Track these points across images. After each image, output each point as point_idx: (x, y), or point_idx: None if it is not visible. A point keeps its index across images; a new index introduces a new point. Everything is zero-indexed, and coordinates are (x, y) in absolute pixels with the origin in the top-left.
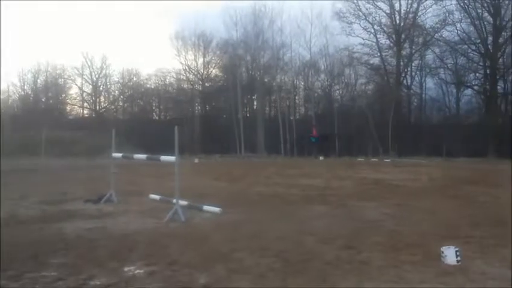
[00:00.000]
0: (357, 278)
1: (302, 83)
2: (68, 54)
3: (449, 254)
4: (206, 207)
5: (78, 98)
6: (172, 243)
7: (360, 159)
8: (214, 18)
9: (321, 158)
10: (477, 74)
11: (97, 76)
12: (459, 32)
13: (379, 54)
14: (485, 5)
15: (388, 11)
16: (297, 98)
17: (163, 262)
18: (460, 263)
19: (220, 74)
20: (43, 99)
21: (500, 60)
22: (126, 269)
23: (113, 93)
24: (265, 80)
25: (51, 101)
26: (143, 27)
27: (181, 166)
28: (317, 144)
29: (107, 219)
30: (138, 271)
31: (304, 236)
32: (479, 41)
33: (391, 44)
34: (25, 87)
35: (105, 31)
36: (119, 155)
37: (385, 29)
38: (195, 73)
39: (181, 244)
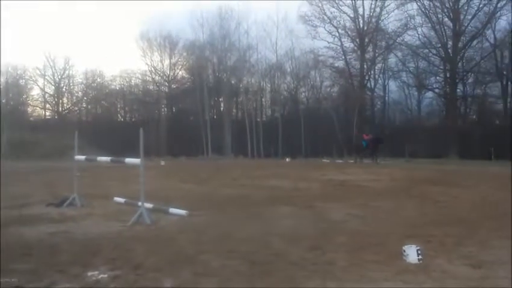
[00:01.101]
0: (322, 278)
1: (268, 85)
2: (30, 55)
3: (411, 253)
4: (172, 210)
5: (40, 99)
6: (138, 247)
7: (325, 160)
8: (180, 19)
9: (288, 159)
10: (437, 78)
11: (60, 77)
12: (420, 36)
13: (343, 57)
14: (446, 10)
15: (352, 15)
16: (263, 99)
17: (128, 266)
18: (421, 262)
19: (187, 75)
20: (3, 101)
21: (460, 64)
22: (89, 273)
23: (76, 94)
24: (232, 81)
25: (12, 103)
26: (107, 28)
27: (147, 168)
28: (368, 148)
29: (69, 223)
30: (101, 276)
31: (270, 237)
32: (439, 45)
33: (355, 48)
34: None
35: (68, 31)
36: (82, 157)
37: (349, 32)
38: (161, 74)
39: (146, 247)
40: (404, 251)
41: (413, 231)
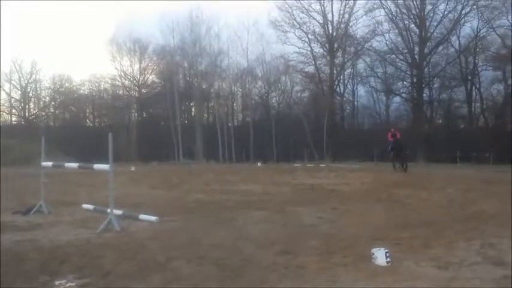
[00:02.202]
0: (293, 282)
1: (240, 90)
2: None
3: (380, 256)
4: (142, 216)
5: (6, 104)
6: (107, 254)
7: (296, 164)
8: (150, 24)
9: (259, 164)
10: (405, 83)
11: (26, 82)
12: (388, 42)
13: (313, 62)
14: (412, 17)
15: (321, 21)
16: (234, 104)
17: (97, 274)
18: (389, 264)
19: (158, 80)
20: None
21: (426, 69)
22: (57, 282)
23: (43, 99)
24: (203, 86)
25: None
26: (76, 32)
27: (117, 174)
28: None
29: (36, 231)
30: (69, 284)
31: (241, 242)
32: (406, 51)
33: (325, 53)
34: None
35: (35, 35)
36: (49, 163)
37: (318, 38)
38: (131, 79)
39: (116, 254)
40: (373, 253)
41: (382, 234)
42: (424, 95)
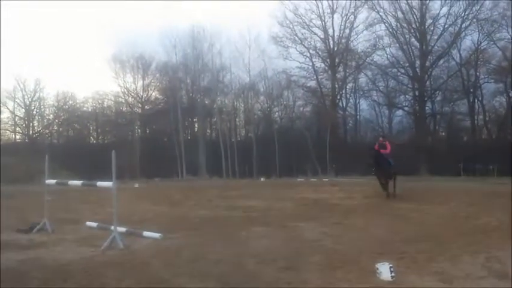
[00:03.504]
0: None
1: (242, 105)
2: None
3: (384, 270)
4: (146, 233)
5: (10, 122)
6: (110, 272)
7: (299, 179)
8: (153, 41)
9: (262, 179)
10: (407, 96)
11: (30, 99)
12: (389, 56)
13: (315, 77)
14: (412, 31)
15: (322, 36)
16: (237, 120)
17: None
18: (394, 279)
19: (160, 96)
20: None
21: (428, 82)
22: None
23: (47, 117)
24: (206, 102)
25: None
26: (79, 49)
27: (120, 191)
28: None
29: (40, 249)
30: None
31: (244, 258)
32: (407, 64)
33: (326, 68)
34: None
35: (38, 53)
36: (53, 181)
37: (320, 53)
38: (134, 96)
39: (119, 272)
40: (377, 268)
41: (386, 248)
42: (427, 108)
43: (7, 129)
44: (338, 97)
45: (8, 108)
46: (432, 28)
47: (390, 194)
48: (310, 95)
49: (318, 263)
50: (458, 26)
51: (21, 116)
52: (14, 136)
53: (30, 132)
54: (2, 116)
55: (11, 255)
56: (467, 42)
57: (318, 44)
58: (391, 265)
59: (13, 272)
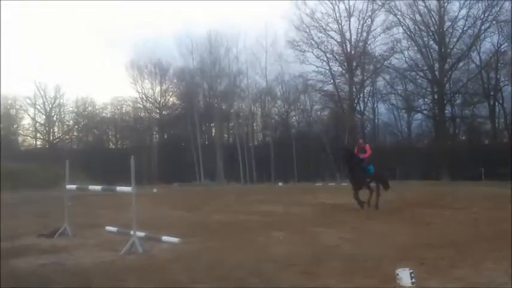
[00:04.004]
0: None
1: (259, 110)
2: (20, 84)
3: (404, 276)
4: (165, 238)
5: (30, 128)
6: (130, 277)
7: (317, 184)
8: (170, 47)
9: (280, 183)
10: (426, 99)
11: (50, 106)
12: (407, 59)
13: (332, 81)
14: (431, 33)
15: (339, 40)
16: (254, 124)
17: None
18: (414, 285)
19: (178, 101)
20: None
21: (447, 85)
22: None
23: (67, 123)
24: (223, 107)
25: (2, 132)
26: (98, 56)
27: (139, 196)
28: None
29: (61, 253)
30: None
31: (263, 263)
32: (426, 67)
33: (344, 71)
34: None
35: (58, 60)
36: (73, 186)
37: (337, 57)
38: (152, 101)
39: (139, 277)
40: (397, 274)
41: (406, 254)
42: (446, 111)
43: (28, 135)
44: (356, 101)
45: (29, 114)
46: (451, 30)
47: (370, 205)
48: (328, 99)
49: (336, 269)
50: (478, 28)
51: (42, 122)
52: (35, 142)
53: (51, 138)
54: (23, 123)
55: (33, 259)
56: (487, 44)
57: (335, 48)
58: (411, 271)
59: (35, 276)
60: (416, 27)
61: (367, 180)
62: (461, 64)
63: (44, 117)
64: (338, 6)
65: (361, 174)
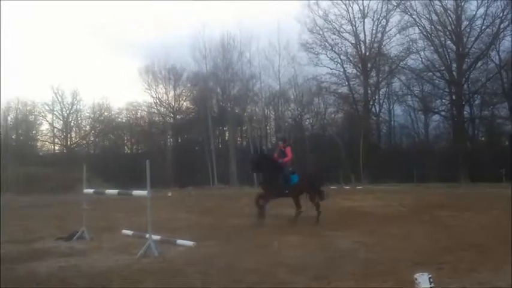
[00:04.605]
0: None
1: (273, 113)
2: (38, 90)
3: (423, 281)
4: (180, 241)
5: (49, 134)
6: (146, 279)
7: (332, 187)
8: (183, 51)
9: None
10: (443, 100)
11: (68, 112)
12: (424, 59)
13: (346, 83)
14: (448, 33)
15: (353, 41)
16: (268, 127)
17: None
18: None
19: (192, 106)
20: (13, 137)
21: (465, 86)
22: None
23: (84, 128)
24: (236, 110)
25: (21, 138)
26: (112, 62)
27: (154, 200)
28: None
29: (79, 256)
30: None
31: (276, 267)
32: (443, 68)
33: (358, 73)
34: None
35: (74, 66)
36: (91, 190)
37: (351, 58)
38: (166, 106)
39: (155, 280)
40: (415, 278)
41: (424, 257)
42: (465, 112)
43: (47, 141)
44: (371, 103)
45: (47, 120)
46: (469, 30)
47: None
48: (342, 101)
49: (352, 273)
50: (497, 26)
51: (60, 127)
52: (53, 147)
53: (68, 143)
54: (41, 128)
55: (52, 262)
56: (506, 43)
57: (349, 50)
58: (430, 275)
59: (54, 278)
60: (433, 27)
61: (286, 192)
62: (479, 64)
63: (61, 122)
64: (352, 7)
65: (280, 183)
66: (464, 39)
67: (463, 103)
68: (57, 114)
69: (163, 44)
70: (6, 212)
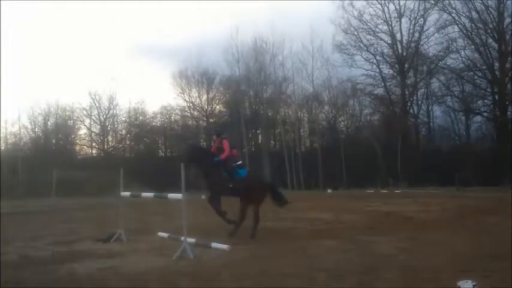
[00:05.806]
0: None
1: (306, 116)
2: (76, 94)
3: None
4: (214, 244)
5: (87, 138)
6: (182, 282)
7: (369, 191)
8: (216, 55)
9: (329, 190)
10: (485, 101)
11: (105, 116)
12: (464, 59)
13: (383, 84)
14: (489, 31)
15: (389, 42)
16: (301, 130)
17: None
18: None
19: (224, 109)
20: (53, 141)
21: (509, 85)
22: None
23: (120, 132)
24: (269, 113)
25: (61, 142)
26: (147, 66)
27: (189, 203)
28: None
29: (117, 258)
30: None
31: (314, 272)
32: (485, 67)
33: (395, 74)
34: (36, 129)
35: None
36: (127, 193)
37: (387, 59)
38: (200, 110)
39: (191, 282)
40: (459, 286)
41: (468, 265)
42: (509, 113)
43: (85, 145)
44: (409, 104)
45: (85, 125)
46: (511, 27)
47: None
48: (378, 102)
49: (393, 280)
50: None
51: (97, 132)
52: (90, 151)
53: (105, 147)
54: (80, 133)
55: (91, 263)
56: None
57: (385, 50)
58: (474, 283)
59: (93, 280)
60: (473, 25)
61: (230, 186)
62: None
63: (98, 127)
64: (388, 7)
65: (222, 176)
66: (507, 37)
67: (507, 103)
68: (94, 118)
69: (196, 48)
70: (47, 214)
